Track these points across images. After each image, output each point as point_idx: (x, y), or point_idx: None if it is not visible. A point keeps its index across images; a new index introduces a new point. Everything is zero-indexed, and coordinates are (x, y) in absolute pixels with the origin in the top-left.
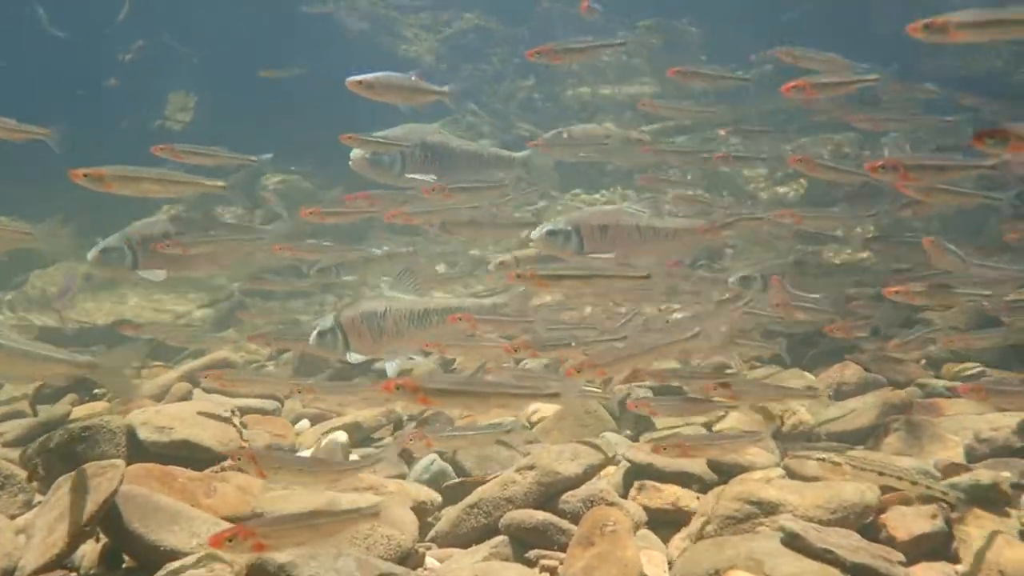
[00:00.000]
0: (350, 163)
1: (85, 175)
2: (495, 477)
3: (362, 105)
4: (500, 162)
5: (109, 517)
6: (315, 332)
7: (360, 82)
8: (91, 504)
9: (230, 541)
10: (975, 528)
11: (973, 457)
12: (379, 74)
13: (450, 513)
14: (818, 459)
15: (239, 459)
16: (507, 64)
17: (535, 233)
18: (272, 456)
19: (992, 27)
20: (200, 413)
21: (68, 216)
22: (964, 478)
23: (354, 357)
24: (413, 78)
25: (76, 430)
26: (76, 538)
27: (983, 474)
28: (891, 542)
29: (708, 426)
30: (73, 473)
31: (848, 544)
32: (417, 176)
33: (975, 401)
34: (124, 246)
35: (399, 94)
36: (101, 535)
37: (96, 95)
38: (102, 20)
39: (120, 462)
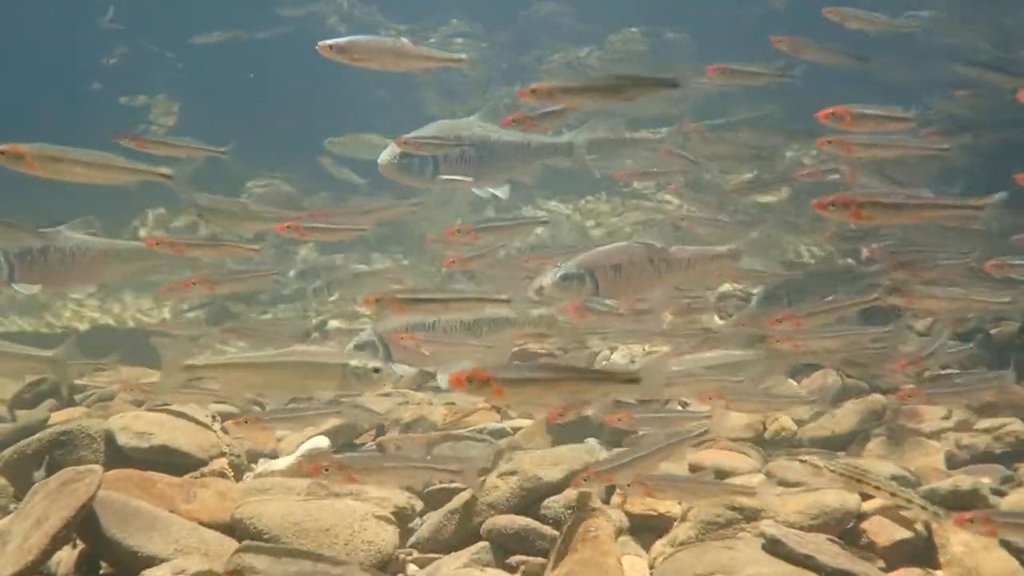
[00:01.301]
0: (379, 168)
1: (2, 153)
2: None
3: (351, 107)
4: (552, 151)
5: (86, 523)
6: (353, 344)
7: (332, 47)
8: (68, 510)
9: None
10: (955, 533)
11: (954, 463)
12: (356, 37)
13: (432, 519)
14: (800, 461)
15: (327, 470)
16: (493, 69)
17: (546, 280)
18: (360, 459)
19: None
20: (180, 418)
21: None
22: (945, 484)
23: (401, 368)
24: (403, 41)
25: (54, 435)
26: (52, 544)
27: (963, 480)
28: (872, 547)
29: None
30: (50, 479)
31: (829, 549)
32: (454, 177)
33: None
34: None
35: (386, 59)
36: (78, 541)
37: (74, 98)
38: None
39: (98, 467)
